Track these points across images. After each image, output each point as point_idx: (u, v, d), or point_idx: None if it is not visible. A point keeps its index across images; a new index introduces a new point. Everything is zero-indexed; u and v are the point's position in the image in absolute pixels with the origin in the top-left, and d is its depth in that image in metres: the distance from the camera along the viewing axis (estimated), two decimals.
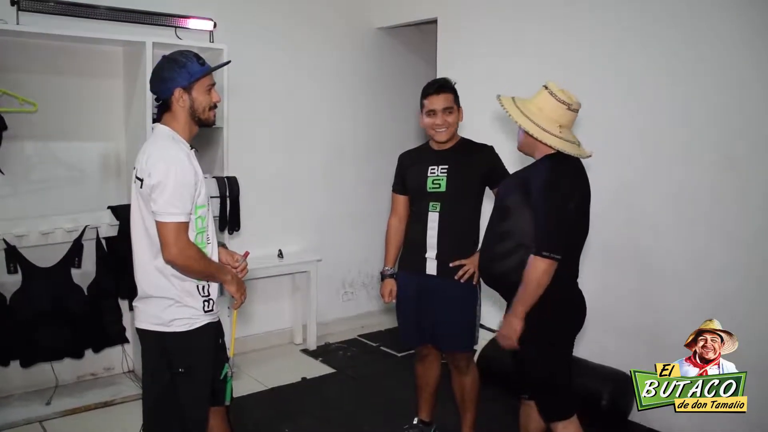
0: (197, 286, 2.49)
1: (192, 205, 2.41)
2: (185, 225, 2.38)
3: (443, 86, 3.22)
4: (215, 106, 2.57)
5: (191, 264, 2.39)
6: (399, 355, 5.07)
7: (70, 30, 4.00)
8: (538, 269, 2.52)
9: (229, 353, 2.71)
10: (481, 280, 3.10)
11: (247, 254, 2.80)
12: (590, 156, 2.69)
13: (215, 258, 2.59)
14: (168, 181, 2.33)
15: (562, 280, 2.68)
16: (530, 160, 2.82)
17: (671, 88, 3.68)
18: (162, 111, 2.52)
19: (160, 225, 2.35)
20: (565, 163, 2.64)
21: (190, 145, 2.53)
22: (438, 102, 3.19)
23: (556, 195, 2.57)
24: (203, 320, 2.51)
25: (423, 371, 3.53)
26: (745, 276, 3.42)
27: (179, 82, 2.43)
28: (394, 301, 3.44)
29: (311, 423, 3.95)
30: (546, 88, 2.66)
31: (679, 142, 3.67)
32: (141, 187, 2.42)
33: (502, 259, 2.69)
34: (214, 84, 2.55)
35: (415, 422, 3.62)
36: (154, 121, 3.99)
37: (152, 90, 2.53)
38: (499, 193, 2.91)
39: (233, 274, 2.64)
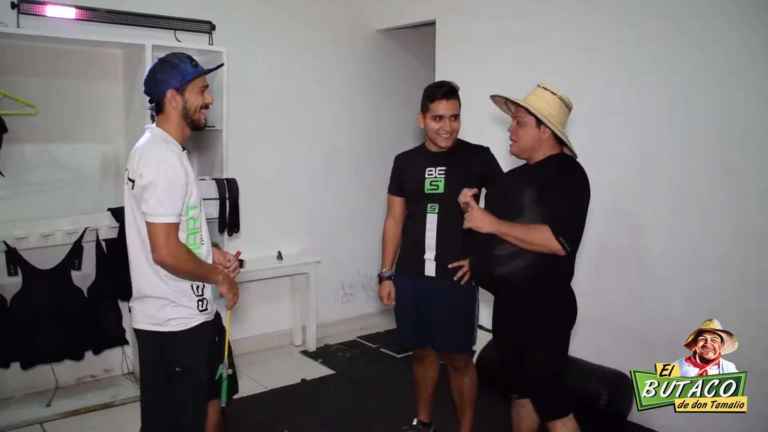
0: (192, 286, 2.51)
1: (183, 206, 2.42)
2: (175, 226, 2.39)
3: (453, 92, 3.18)
4: (207, 107, 2.57)
5: (181, 264, 2.40)
6: (398, 356, 5.08)
7: (70, 33, 4.02)
8: (545, 238, 2.52)
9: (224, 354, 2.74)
10: None
11: (238, 254, 2.81)
12: (575, 157, 2.74)
13: (210, 259, 2.60)
14: (159, 182, 2.34)
15: (564, 279, 2.70)
16: (519, 161, 2.84)
17: (669, 91, 3.70)
18: (156, 113, 2.54)
19: (150, 226, 2.36)
20: (578, 167, 2.68)
21: (183, 147, 2.54)
22: (447, 108, 3.14)
23: (575, 192, 2.60)
24: (198, 319, 2.53)
25: (421, 372, 3.53)
26: (743, 277, 3.43)
27: (172, 83, 2.45)
28: (393, 303, 3.44)
29: (311, 424, 3.95)
30: (545, 88, 2.68)
31: (676, 144, 3.68)
32: (133, 188, 2.44)
33: (508, 261, 2.66)
34: (207, 86, 2.57)
35: (414, 423, 3.63)
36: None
37: (146, 92, 2.53)
38: (500, 194, 2.88)
39: (225, 274, 2.64)
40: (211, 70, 2.63)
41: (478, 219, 2.66)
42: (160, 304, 2.48)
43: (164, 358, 2.53)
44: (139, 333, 2.59)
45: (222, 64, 2.94)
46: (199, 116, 2.54)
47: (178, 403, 2.56)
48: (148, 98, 2.54)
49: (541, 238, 2.52)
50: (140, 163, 2.41)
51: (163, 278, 2.47)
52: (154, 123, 2.54)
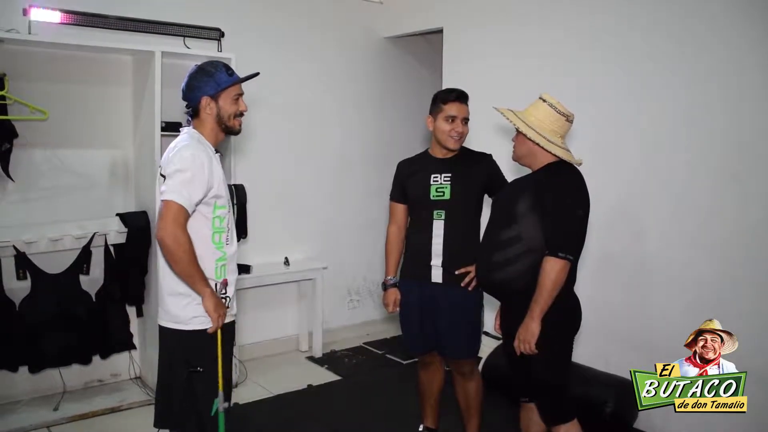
0: (215, 284, 2.55)
1: (200, 199, 2.48)
2: (186, 213, 2.44)
3: (466, 96, 3.25)
4: (241, 115, 2.67)
5: (176, 249, 2.40)
6: (404, 362, 5.07)
7: (81, 39, 4.06)
8: (555, 270, 2.57)
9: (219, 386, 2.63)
10: None
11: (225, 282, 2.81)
12: (581, 164, 2.74)
13: (234, 262, 2.65)
14: (184, 168, 2.44)
15: (567, 285, 2.70)
16: (525, 170, 2.87)
17: (675, 97, 3.70)
18: (192, 117, 2.64)
19: (164, 203, 2.43)
20: (571, 172, 2.70)
21: (216, 149, 2.63)
22: (460, 110, 3.20)
23: (568, 200, 2.63)
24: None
25: (427, 379, 3.53)
26: (745, 279, 3.43)
27: (206, 90, 2.56)
28: (398, 310, 3.44)
29: (317, 430, 3.96)
30: (544, 100, 2.72)
31: (681, 150, 3.68)
32: (164, 182, 2.51)
33: (505, 266, 2.72)
34: (241, 94, 2.66)
35: (420, 429, 3.62)
36: (164, 128, 4.06)
37: (183, 98, 2.63)
38: (499, 201, 2.93)
39: (213, 291, 2.55)
40: (245, 79, 2.70)
41: (524, 335, 2.66)
42: (184, 302, 2.53)
43: (186, 357, 2.56)
44: (163, 330, 2.64)
45: (258, 74, 2.85)
46: (233, 123, 2.65)
47: (198, 402, 2.58)
48: (185, 104, 2.64)
49: (553, 272, 2.57)
50: (171, 155, 2.52)
51: None
52: (190, 125, 2.64)
